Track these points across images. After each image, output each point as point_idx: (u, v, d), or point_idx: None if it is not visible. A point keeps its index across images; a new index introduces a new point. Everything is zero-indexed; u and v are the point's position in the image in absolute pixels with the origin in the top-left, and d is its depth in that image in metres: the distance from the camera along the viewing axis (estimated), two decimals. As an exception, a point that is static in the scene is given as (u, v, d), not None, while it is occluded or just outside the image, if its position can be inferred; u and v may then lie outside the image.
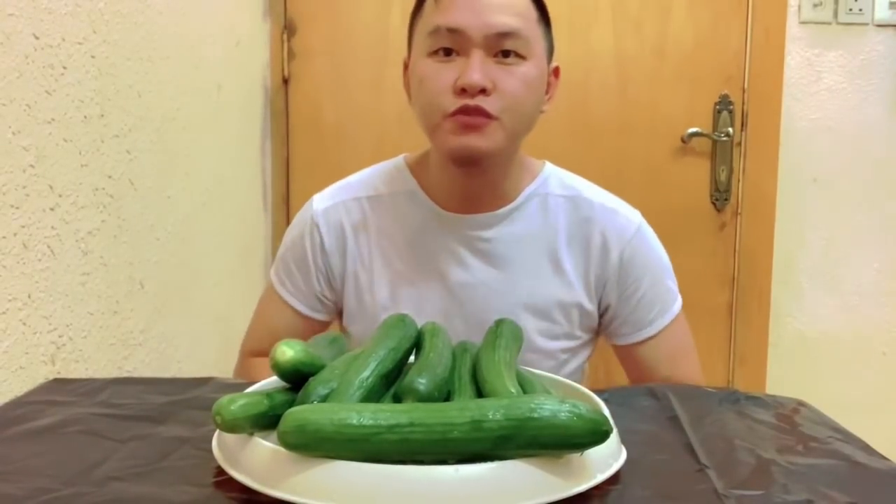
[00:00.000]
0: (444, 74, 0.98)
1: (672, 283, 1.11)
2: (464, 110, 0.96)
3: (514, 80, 0.98)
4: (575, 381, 0.83)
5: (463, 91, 0.96)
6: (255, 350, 1.15)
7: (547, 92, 1.06)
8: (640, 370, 1.10)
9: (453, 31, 0.97)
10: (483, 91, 0.96)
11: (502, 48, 0.97)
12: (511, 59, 0.98)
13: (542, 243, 1.07)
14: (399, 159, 1.14)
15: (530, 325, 1.04)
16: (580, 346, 1.10)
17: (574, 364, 1.11)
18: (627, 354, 1.11)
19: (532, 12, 1.01)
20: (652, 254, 1.10)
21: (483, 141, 0.98)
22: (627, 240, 1.07)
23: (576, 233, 1.07)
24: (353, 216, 1.11)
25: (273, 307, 1.15)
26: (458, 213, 1.07)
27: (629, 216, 1.09)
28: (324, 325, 1.15)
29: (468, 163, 1.01)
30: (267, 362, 0.72)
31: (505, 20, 0.97)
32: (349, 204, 1.11)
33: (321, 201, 1.13)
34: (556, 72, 1.08)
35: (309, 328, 1.12)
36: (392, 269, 1.08)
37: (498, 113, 0.97)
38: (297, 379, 0.68)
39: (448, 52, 0.98)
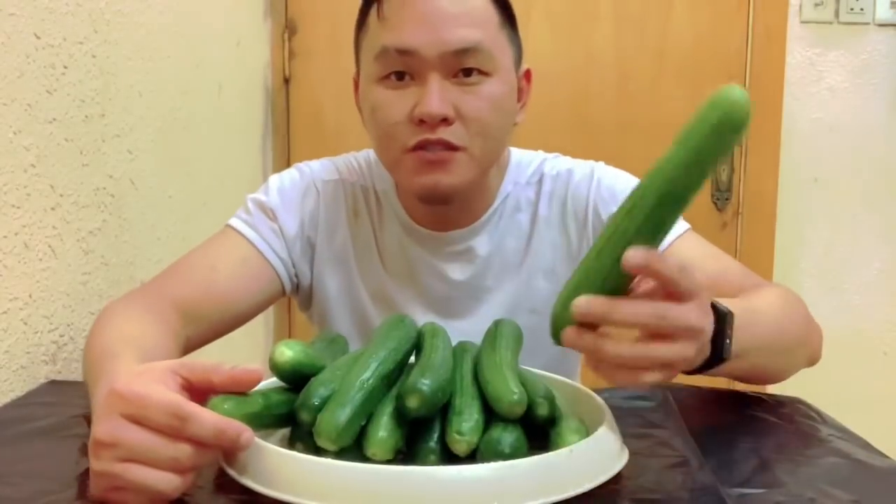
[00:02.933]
0: (398, 104, 0.88)
1: None
2: (424, 144, 0.87)
3: (479, 102, 0.88)
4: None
5: (421, 122, 0.86)
6: (185, 297, 0.90)
7: (519, 100, 0.96)
8: None
9: (404, 53, 0.86)
10: (445, 121, 0.86)
11: (462, 66, 0.87)
12: (473, 78, 0.88)
13: (521, 241, 1.02)
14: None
15: (522, 323, 1.00)
16: None
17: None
18: None
19: (493, 16, 0.90)
20: (618, 185, 1.00)
21: (449, 177, 0.89)
22: (591, 193, 1.00)
23: (549, 215, 1.01)
24: (349, 200, 1.03)
25: (228, 250, 0.96)
26: (432, 231, 1.00)
27: (584, 170, 1.02)
28: (280, 297, 1.02)
29: (435, 201, 0.93)
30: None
31: (462, 34, 0.86)
32: (347, 186, 1.03)
33: (323, 171, 1.04)
34: (527, 75, 0.98)
35: (271, 292, 0.99)
36: (375, 272, 1.02)
37: (464, 143, 0.88)
38: (296, 380, 0.68)
39: (400, 75, 0.88)
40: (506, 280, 1.02)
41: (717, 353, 0.67)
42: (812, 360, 0.93)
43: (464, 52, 0.87)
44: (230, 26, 1.70)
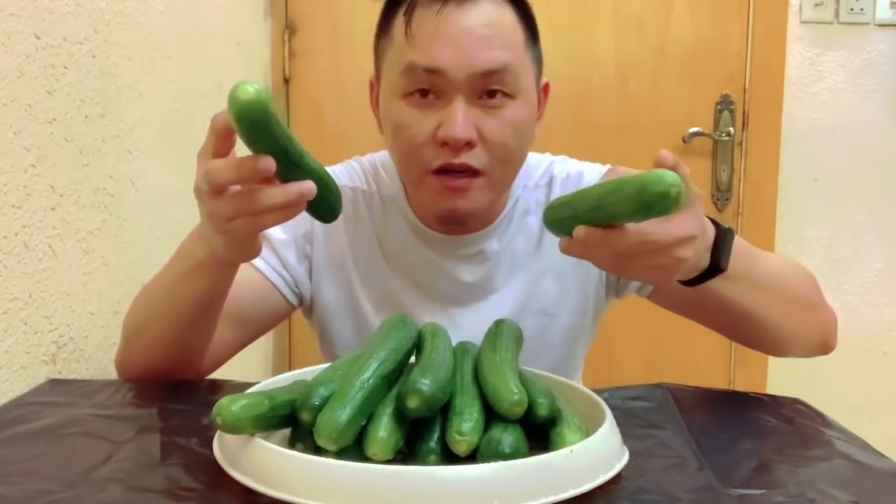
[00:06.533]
0: (422, 123, 0.87)
1: None
2: (447, 168, 0.87)
3: (502, 126, 0.87)
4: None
5: (444, 144, 0.86)
6: None
7: (538, 111, 0.96)
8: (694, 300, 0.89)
9: (431, 72, 0.85)
10: (468, 144, 0.86)
11: (488, 88, 0.86)
12: (497, 100, 0.87)
13: (531, 243, 1.01)
14: (384, 155, 1.04)
15: (530, 324, 0.97)
16: (589, 327, 1.05)
17: (584, 344, 1.06)
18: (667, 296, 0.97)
19: (519, 35, 0.89)
20: None
21: (469, 203, 0.90)
22: None
23: None
24: (349, 207, 1.01)
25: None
26: (443, 234, 0.99)
27: (594, 173, 1.02)
28: (289, 310, 1.03)
29: (451, 223, 0.95)
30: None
31: (492, 56, 0.85)
32: (346, 193, 1.00)
33: None
34: (545, 89, 0.98)
35: (274, 306, 1.00)
36: (379, 275, 1.01)
37: (484, 167, 0.88)
38: (253, 129, 0.66)
39: (424, 93, 0.87)
40: (514, 280, 1.01)
41: (715, 263, 0.76)
42: (825, 340, 0.95)
43: (491, 73, 0.86)
44: (230, 26, 1.70)
